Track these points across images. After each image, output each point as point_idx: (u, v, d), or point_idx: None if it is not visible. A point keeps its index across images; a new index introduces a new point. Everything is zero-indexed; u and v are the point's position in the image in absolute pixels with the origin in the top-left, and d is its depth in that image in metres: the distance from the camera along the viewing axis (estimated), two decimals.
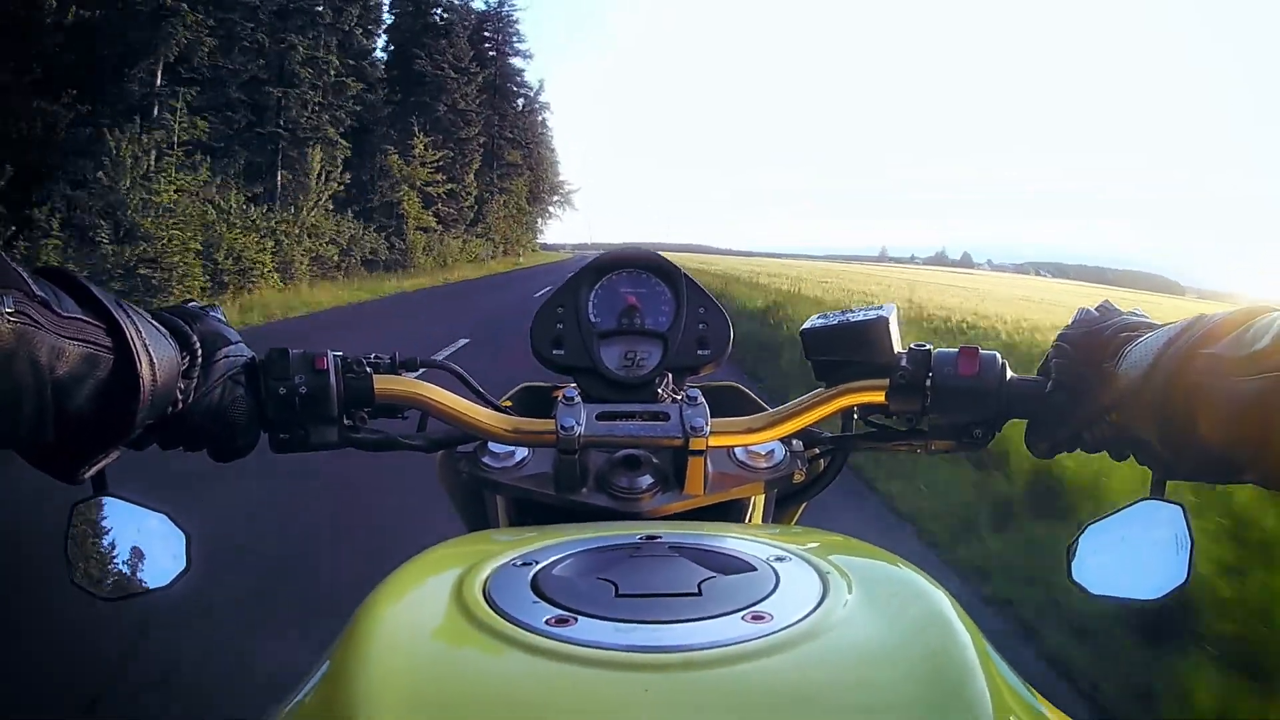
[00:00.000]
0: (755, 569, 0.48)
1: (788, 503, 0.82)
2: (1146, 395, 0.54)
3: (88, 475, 0.57)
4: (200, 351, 0.60)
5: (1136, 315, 0.63)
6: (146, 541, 0.65)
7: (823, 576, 0.47)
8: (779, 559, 0.50)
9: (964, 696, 0.37)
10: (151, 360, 0.54)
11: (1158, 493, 0.61)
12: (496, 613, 0.43)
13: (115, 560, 0.64)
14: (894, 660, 0.40)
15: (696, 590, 0.45)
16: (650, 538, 0.54)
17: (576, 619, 0.42)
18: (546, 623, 0.41)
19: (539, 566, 0.49)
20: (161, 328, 0.58)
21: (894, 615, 0.44)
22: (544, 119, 53.24)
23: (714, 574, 0.47)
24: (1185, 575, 0.61)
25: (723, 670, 0.37)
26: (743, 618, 0.42)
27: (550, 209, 61.85)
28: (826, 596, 0.44)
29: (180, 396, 0.58)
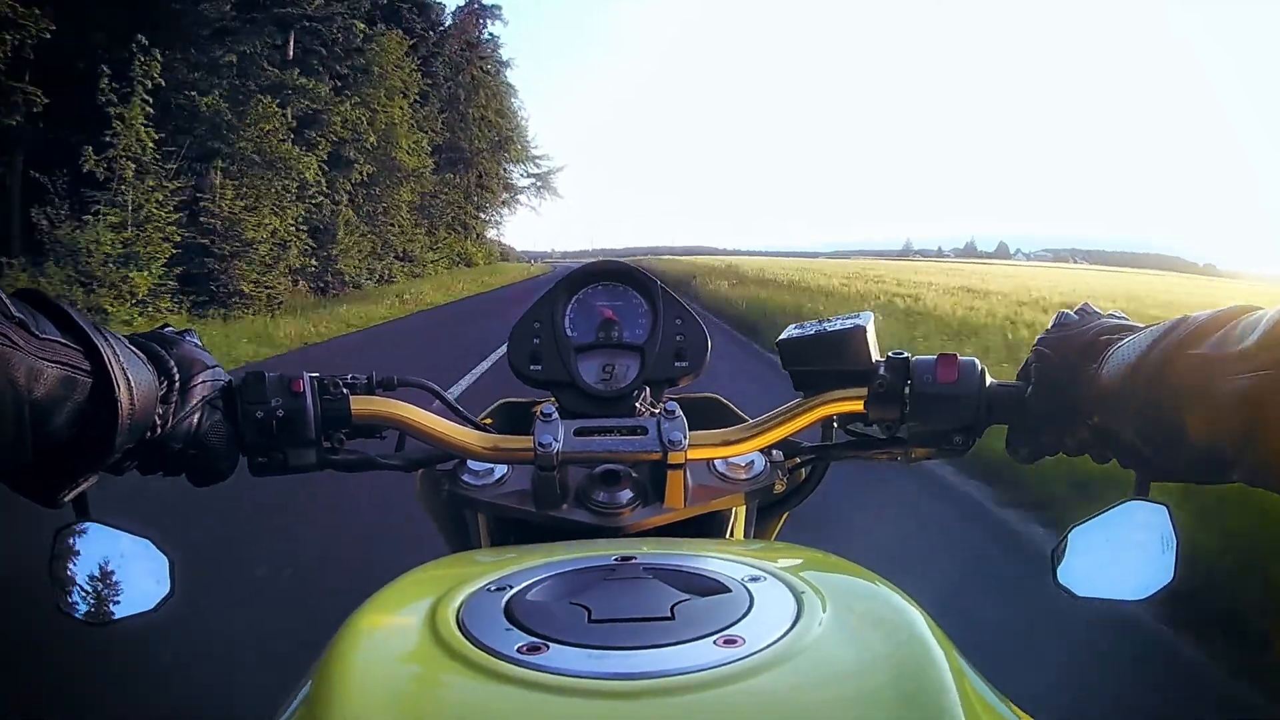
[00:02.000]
0: (730, 590, 0.48)
1: (769, 513, 0.82)
2: (1130, 397, 0.54)
3: (66, 499, 0.57)
4: (178, 376, 0.60)
5: (1116, 317, 0.62)
6: (130, 566, 0.65)
7: (797, 596, 0.47)
8: (753, 579, 0.49)
9: (936, 707, 0.37)
10: (130, 384, 0.54)
11: (1142, 493, 0.60)
12: (470, 641, 0.43)
13: (99, 585, 0.65)
14: (868, 682, 0.39)
15: (669, 614, 0.45)
16: (625, 558, 0.54)
17: (548, 646, 0.42)
18: (519, 650, 0.41)
19: (512, 592, 0.49)
20: (139, 352, 0.58)
21: (868, 635, 0.44)
22: (497, 69, 40.08)
23: (688, 596, 0.47)
24: (1171, 574, 0.61)
25: (694, 696, 0.37)
26: (715, 642, 0.41)
27: (518, 198, 46.11)
28: (800, 617, 0.44)
29: (159, 422, 0.58)
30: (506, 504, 0.71)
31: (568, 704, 0.37)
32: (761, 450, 0.73)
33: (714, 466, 0.74)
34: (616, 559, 0.54)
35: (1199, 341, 0.50)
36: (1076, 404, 0.60)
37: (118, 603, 0.65)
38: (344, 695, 0.39)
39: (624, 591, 0.49)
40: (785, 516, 0.85)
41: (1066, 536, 0.63)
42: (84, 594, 0.64)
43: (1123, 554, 0.61)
